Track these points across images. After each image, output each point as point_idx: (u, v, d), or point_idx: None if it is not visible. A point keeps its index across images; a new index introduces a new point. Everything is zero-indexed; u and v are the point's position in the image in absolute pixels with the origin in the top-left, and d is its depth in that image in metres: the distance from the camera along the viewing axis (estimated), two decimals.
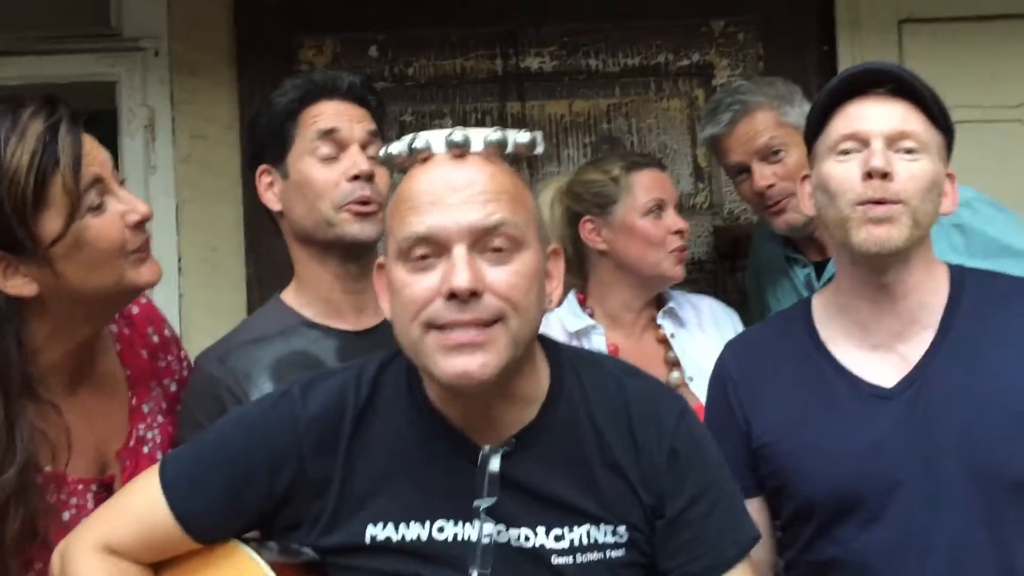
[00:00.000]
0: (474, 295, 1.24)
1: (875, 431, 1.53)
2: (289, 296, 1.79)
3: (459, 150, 1.29)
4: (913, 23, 2.84)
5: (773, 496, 1.62)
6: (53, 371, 1.44)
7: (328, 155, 1.71)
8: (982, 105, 2.81)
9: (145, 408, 1.63)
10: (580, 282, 2.23)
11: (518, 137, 1.32)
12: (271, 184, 1.77)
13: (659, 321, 2.18)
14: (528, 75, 2.86)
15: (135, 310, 1.69)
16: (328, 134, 1.71)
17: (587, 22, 2.86)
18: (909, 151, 1.52)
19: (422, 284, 1.26)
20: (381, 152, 1.37)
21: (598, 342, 2.13)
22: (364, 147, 1.72)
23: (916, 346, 1.57)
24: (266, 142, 1.77)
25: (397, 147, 1.33)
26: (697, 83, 2.89)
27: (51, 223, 1.38)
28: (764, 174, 2.14)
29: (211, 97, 2.85)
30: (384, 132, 1.82)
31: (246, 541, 1.40)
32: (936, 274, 1.60)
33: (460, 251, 1.24)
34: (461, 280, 1.23)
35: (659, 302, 2.21)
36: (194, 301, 2.81)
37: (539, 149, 1.35)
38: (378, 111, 1.80)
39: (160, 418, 1.64)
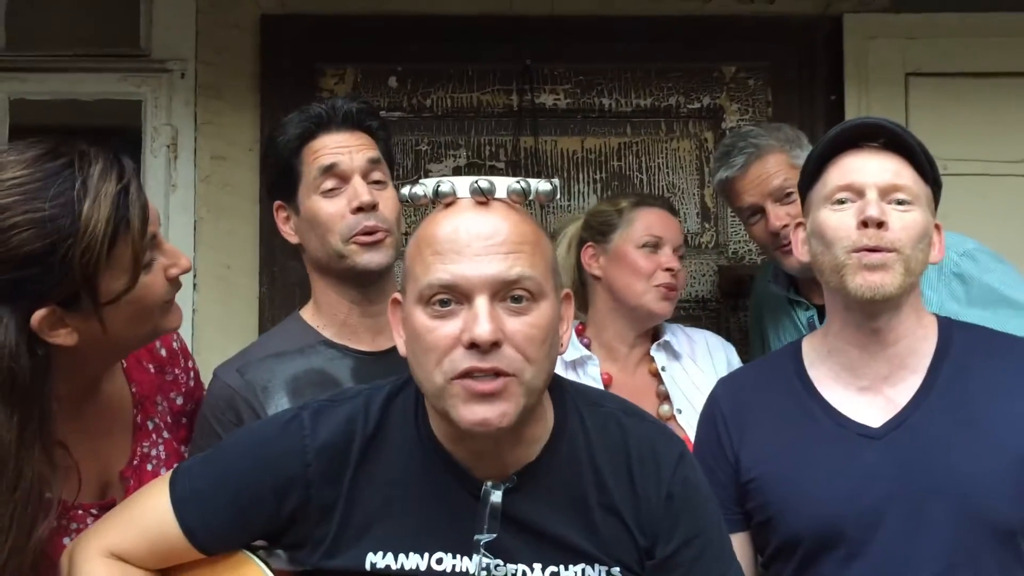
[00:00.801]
0: (495, 345, 1.25)
1: (860, 470, 1.55)
2: (308, 314, 1.82)
3: (483, 197, 1.31)
4: (919, 77, 2.86)
5: (758, 530, 1.63)
6: (59, 400, 1.41)
7: (331, 188, 1.74)
8: (985, 159, 2.84)
9: (150, 425, 1.63)
10: (581, 313, 2.26)
11: (540, 186, 1.35)
12: (287, 219, 1.82)
13: (653, 354, 2.20)
14: (542, 111, 2.89)
15: None
16: (329, 170, 1.74)
17: (601, 62, 2.88)
18: (901, 202, 1.56)
19: (443, 331, 1.27)
20: (404, 191, 1.38)
21: (592, 372, 2.15)
22: (366, 175, 1.75)
23: (904, 390, 1.59)
24: (277, 179, 1.81)
25: (421, 189, 1.34)
26: (707, 126, 2.91)
27: (115, 282, 1.36)
28: (779, 214, 2.16)
29: (233, 120, 2.88)
30: (390, 152, 1.86)
31: (254, 549, 1.42)
32: (925, 322, 1.63)
33: (482, 302, 1.26)
34: (483, 331, 1.24)
35: (656, 335, 2.23)
36: (207, 317, 2.82)
37: (557, 196, 1.39)
38: (380, 133, 1.82)
39: (165, 433, 1.64)
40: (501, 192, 1.32)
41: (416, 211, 2.64)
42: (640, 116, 2.90)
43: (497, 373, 1.26)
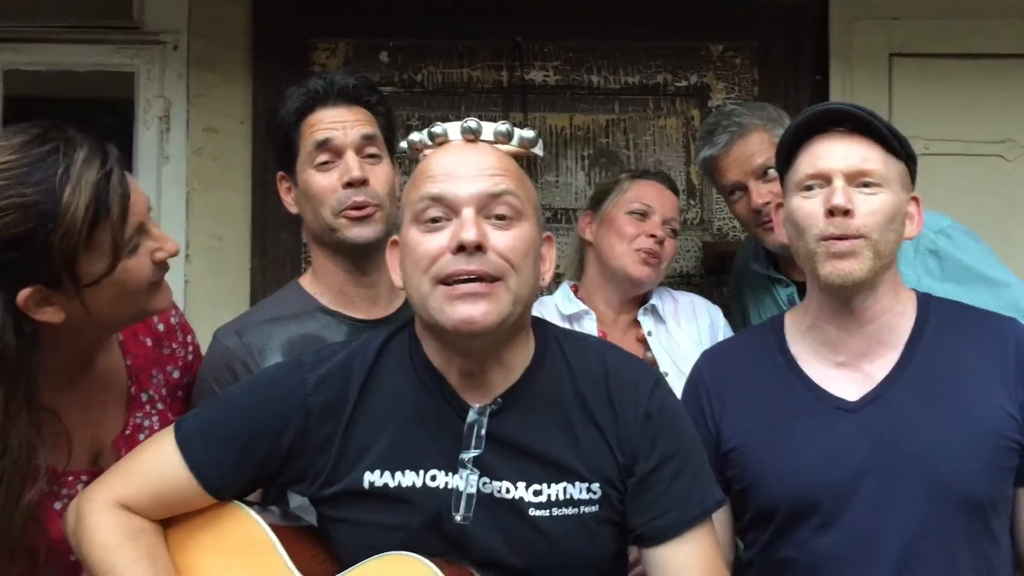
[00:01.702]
0: (479, 249, 1.33)
1: (835, 442, 1.57)
2: (306, 282, 1.86)
3: (472, 135, 1.41)
4: (903, 57, 2.87)
5: (737, 498, 1.65)
6: (51, 372, 1.44)
7: (325, 162, 1.77)
8: (966, 139, 2.86)
9: (144, 397, 1.64)
10: (578, 279, 2.31)
11: (523, 132, 1.44)
12: (288, 190, 1.85)
13: (639, 318, 2.23)
14: (532, 87, 2.88)
15: None
16: (323, 145, 1.77)
17: (591, 40, 2.88)
18: (868, 185, 1.57)
19: (433, 242, 1.35)
20: (403, 143, 1.47)
21: (589, 326, 2.18)
22: (359, 150, 1.77)
23: (881, 366, 1.61)
24: (278, 151, 1.84)
25: (417, 135, 1.44)
26: (693, 103, 2.91)
27: (95, 265, 1.39)
28: (761, 192, 2.16)
29: (226, 92, 2.87)
30: (391, 126, 1.87)
31: (249, 504, 1.45)
32: (903, 299, 1.65)
33: (468, 212, 1.35)
34: (469, 234, 1.32)
35: (644, 300, 2.25)
36: (199, 288, 2.83)
37: (538, 149, 1.46)
38: (379, 107, 1.84)
39: (159, 405, 1.66)
40: (488, 134, 1.42)
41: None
42: (628, 93, 2.90)
43: (482, 278, 1.33)
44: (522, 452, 1.40)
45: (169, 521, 1.44)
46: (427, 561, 1.34)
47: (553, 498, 1.39)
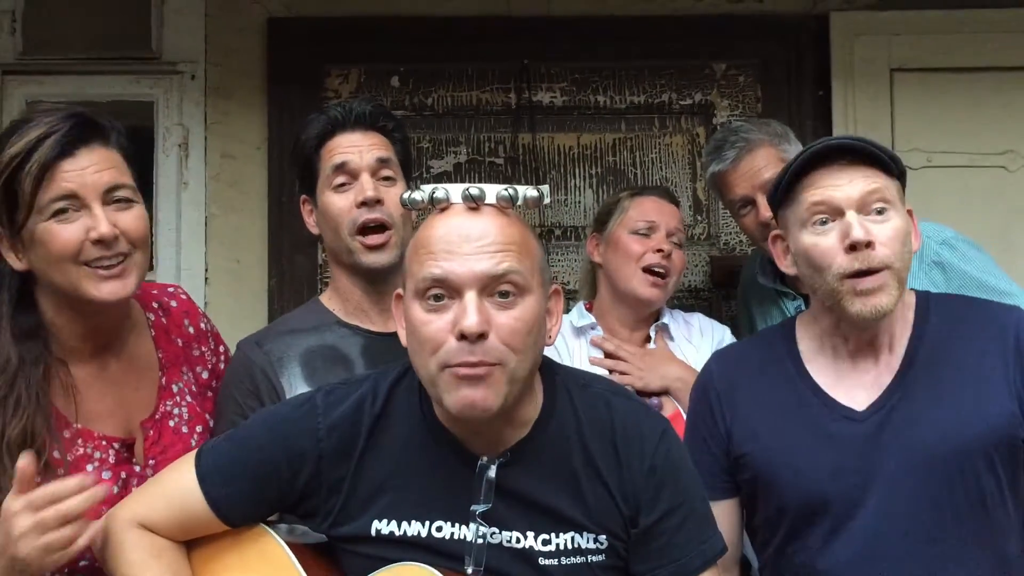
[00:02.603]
0: (481, 336, 1.31)
1: (844, 450, 1.57)
2: (326, 298, 1.91)
3: (474, 203, 1.37)
4: (904, 72, 2.87)
5: (748, 499, 1.66)
6: (77, 345, 1.57)
7: (341, 184, 1.82)
8: (967, 151, 2.84)
9: (174, 388, 1.70)
10: (591, 298, 2.32)
11: (527, 192, 1.40)
12: (310, 212, 1.90)
13: (651, 334, 2.22)
14: (540, 108, 2.90)
15: (173, 304, 1.78)
16: (340, 168, 1.82)
17: (596, 61, 2.89)
18: (880, 212, 1.55)
19: (437, 324, 1.34)
20: (403, 196, 1.45)
21: (595, 335, 2.21)
22: (374, 173, 1.82)
23: (885, 372, 1.61)
24: (301, 175, 1.90)
25: (419, 195, 1.41)
26: (698, 121, 2.91)
27: (19, 215, 1.51)
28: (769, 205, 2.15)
29: (242, 119, 2.90)
30: (407, 151, 1.92)
31: (269, 523, 1.48)
32: (905, 302, 1.63)
33: (471, 296, 1.33)
34: (471, 323, 1.31)
35: (657, 318, 2.25)
36: (218, 309, 2.84)
37: (546, 201, 1.43)
38: (395, 133, 1.89)
39: (188, 398, 1.71)
40: (491, 198, 1.38)
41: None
42: (634, 112, 2.91)
43: (482, 364, 1.32)
44: (530, 504, 1.40)
45: (193, 540, 1.47)
46: (434, 571, 1.36)
47: (562, 547, 1.40)
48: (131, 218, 1.55)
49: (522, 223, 1.41)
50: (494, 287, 1.34)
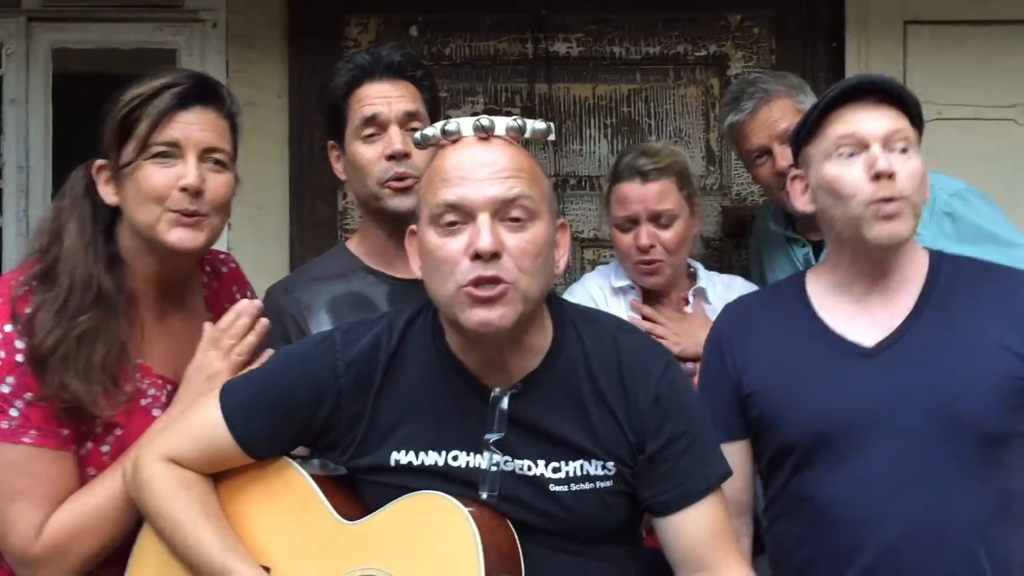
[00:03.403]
0: (495, 256, 1.34)
1: (853, 384, 1.59)
2: (353, 244, 1.92)
3: (484, 133, 1.40)
4: (917, 24, 2.83)
5: (757, 438, 1.68)
6: (143, 289, 1.65)
7: (370, 135, 1.83)
8: (978, 104, 2.82)
9: None
10: None
11: (535, 125, 1.43)
12: (338, 158, 1.90)
13: (689, 298, 2.19)
14: (555, 59, 2.87)
15: (224, 270, 1.84)
16: (369, 120, 1.82)
17: (612, 11, 2.86)
18: (904, 151, 1.58)
19: (452, 246, 1.36)
20: (417, 135, 1.47)
21: (633, 297, 2.17)
22: (403, 124, 1.82)
23: (897, 314, 1.63)
24: (329, 122, 1.90)
25: (431, 130, 1.44)
26: (712, 73, 2.89)
27: (127, 153, 1.58)
28: (786, 155, 2.13)
29: (263, 68, 2.89)
30: (436, 100, 1.92)
31: (292, 457, 1.51)
32: (918, 255, 1.67)
33: (484, 218, 1.35)
34: (485, 243, 1.34)
35: (693, 280, 2.22)
36: (241, 254, 2.77)
37: (552, 136, 1.45)
38: (424, 82, 1.88)
39: None
40: (500, 129, 1.41)
41: None
42: (649, 64, 2.88)
43: (497, 281, 1.33)
44: (541, 433, 1.43)
45: (219, 473, 1.50)
46: (452, 499, 1.39)
47: (571, 474, 1.43)
48: (219, 182, 1.61)
49: (530, 155, 1.44)
50: (506, 211, 1.36)
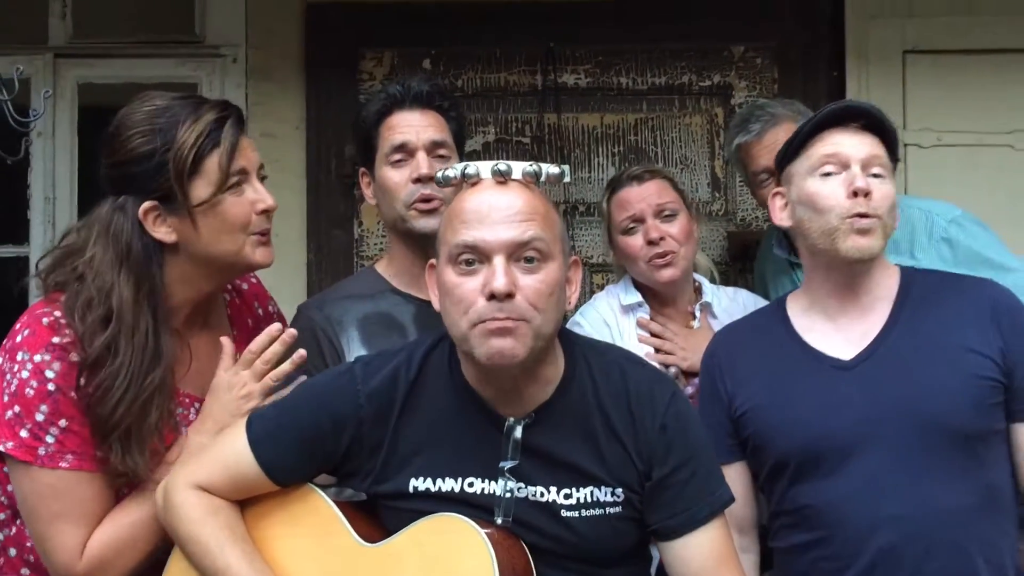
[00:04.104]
0: (509, 296, 1.40)
1: (835, 396, 1.67)
2: (381, 266, 1.99)
3: (502, 177, 1.46)
4: (916, 54, 2.89)
5: (753, 456, 1.75)
6: (176, 311, 1.67)
7: (399, 160, 1.90)
8: (977, 131, 2.87)
9: None
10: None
11: (550, 169, 1.49)
12: (368, 184, 1.97)
13: (696, 312, 2.21)
14: (564, 90, 2.94)
15: (245, 287, 1.88)
16: (399, 148, 1.90)
17: (619, 43, 2.93)
18: (878, 175, 1.68)
19: (468, 286, 1.42)
20: (438, 175, 1.54)
21: (641, 314, 2.19)
22: (430, 151, 1.90)
23: (871, 328, 1.71)
24: (361, 149, 1.98)
25: (452, 172, 1.50)
26: (717, 102, 2.95)
27: (201, 189, 1.60)
28: None
29: (281, 100, 2.95)
30: (462, 129, 2.00)
31: (316, 484, 1.56)
32: (889, 273, 1.76)
33: (499, 260, 1.41)
34: (499, 284, 1.39)
35: (698, 295, 2.24)
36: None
37: (567, 179, 1.52)
38: (450, 112, 1.96)
39: None
40: (517, 174, 1.46)
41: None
42: (655, 94, 2.94)
43: (510, 319, 1.40)
44: (553, 461, 1.48)
45: (245, 500, 1.55)
46: (469, 520, 1.44)
47: (582, 501, 1.48)
48: (273, 197, 1.69)
49: (545, 197, 1.49)
50: (520, 253, 1.42)
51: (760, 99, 2.63)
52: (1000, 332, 1.66)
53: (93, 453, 1.56)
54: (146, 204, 1.59)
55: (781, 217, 1.77)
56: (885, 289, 1.73)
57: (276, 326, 1.66)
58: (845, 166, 1.68)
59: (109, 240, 1.60)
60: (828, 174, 1.68)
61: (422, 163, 1.87)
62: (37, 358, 1.55)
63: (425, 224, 1.86)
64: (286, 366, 1.63)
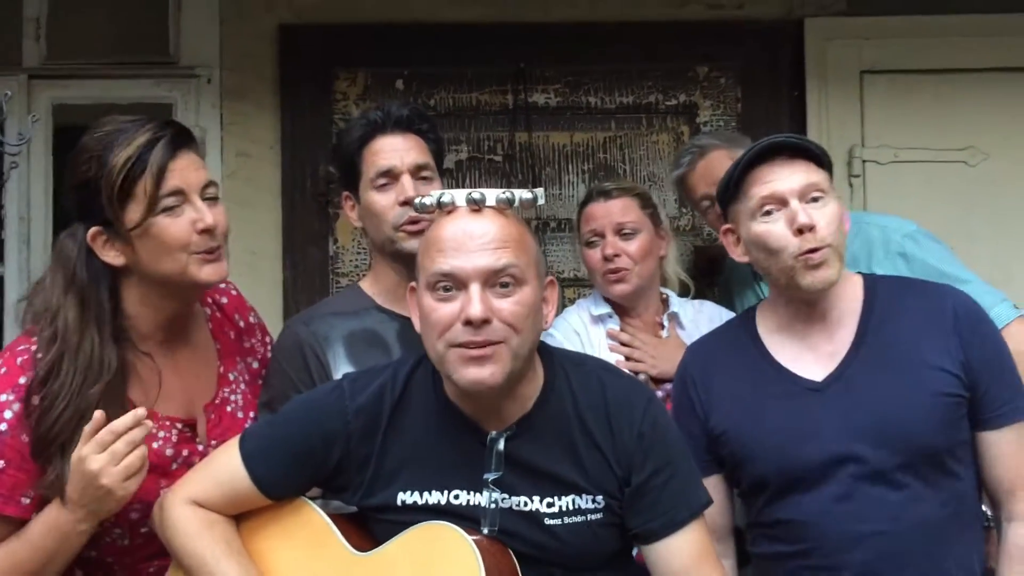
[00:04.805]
0: (485, 322, 1.46)
1: (809, 418, 1.73)
2: (366, 284, 2.03)
3: (476, 205, 1.51)
4: (873, 74, 2.99)
5: (732, 471, 1.81)
6: (151, 334, 1.70)
7: (384, 184, 1.94)
8: (932, 147, 2.98)
9: (231, 376, 1.84)
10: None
11: (523, 195, 1.54)
12: (352, 207, 2.01)
13: (664, 323, 2.31)
14: (535, 109, 3.01)
15: (224, 300, 1.91)
16: (384, 173, 1.94)
17: (588, 64, 3.01)
18: (816, 199, 1.72)
19: (445, 311, 1.48)
20: (416, 202, 1.60)
21: (611, 324, 2.28)
22: (414, 174, 1.95)
23: (840, 345, 1.77)
24: (344, 174, 2.02)
25: (428, 200, 1.55)
26: (683, 120, 3.04)
27: (132, 214, 1.62)
28: None
29: (256, 120, 3.00)
30: (441, 150, 2.05)
31: (310, 498, 1.61)
32: (851, 283, 1.81)
33: (475, 287, 1.47)
34: (475, 311, 1.45)
35: (666, 306, 2.34)
36: None
37: (540, 202, 1.56)
38: (429, 134, 2.01)
39: (243, 386, 1.85)
40: (491, 201, 1.51)
41: None
42: (623, 112, 3.03)
43: (487, 344, 1.45)
44: (535, 471, 1.54)
45: (240, 514, 1.59)
46: (457, 527, 1.49)
47: (564, 508, 1.54)
48: (220, 212, 1.69)
49: (519, 222, 1.55)
50: (495, 279, 1.47)
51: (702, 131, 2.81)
52: (961, 343, 1.71)
53: (18, 500, 1.58)
54: (93, 229, 1.63)
55: (737, 253, 1.82)
56: (849, 302, 1.78)
57: (141, 410, 1.57)
58: (783, 203, 1.70)
59: (59, 265, 1.65)
60: (769, 212, 1.71)
61: (407, 186, 1.92)
62: (2, 397, 1.59)
63: (414, 245, 1.87)
64: (140, 451, 1.54)
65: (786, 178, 1.72)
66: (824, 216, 1.71)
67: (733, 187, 1.78)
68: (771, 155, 1.74)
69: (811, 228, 1.69)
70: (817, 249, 1.69)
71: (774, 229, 1.71)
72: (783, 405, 1.75)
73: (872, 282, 1.82)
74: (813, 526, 1.70)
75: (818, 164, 1.75)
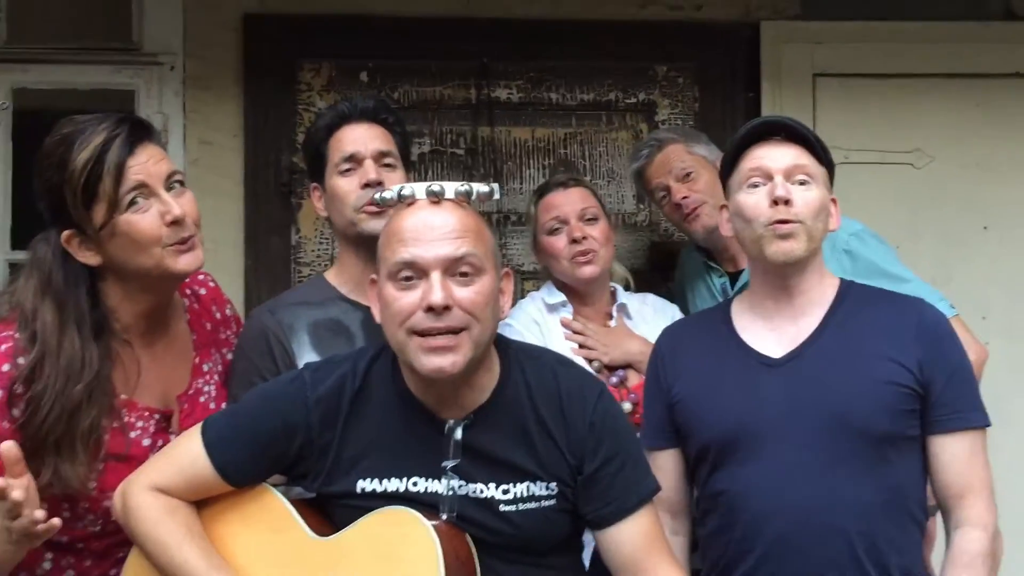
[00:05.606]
0: (446, 308, 1.51)
1: (759, 391, 1.79)
2: (331, 275, 2.07)
3: (436, 197, 1.57)
4: (825, 77, 3.07)
5: (683, 442, 1.87)
6: (131, 326, 1.72)
7: (347, 169, 1.99)
8: (881, 150, 3.06)
9: (205, 367, 1.86)
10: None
11: (480, 188, 1.60)
12: (319, 197, 2.06)
13: (613, 313, 2.40)
14: (498, 104, 3.05)
15: (203, 291, 1.93)
16: (348, 158, 1.99)
17: (550, 61, 3.06)
18: (803, 182, 1.80)
19: (407, 299, 1.53)
20: (376, 196, 1.65)
21: (564, 313, 2.36)
22: (377, 161, 2.00)
23: (804, 330, 1.84)
24: (311, 163, 2.07)
25: (389, 194, 1.60)
26: (642, 118, 3.10)
27: (98, 215, 1.63)
28: (680, 189, 2.45)
29: (218, 108, 2.99)
30: (406, 141, 2.11)
31: (272, 484, 1.65)
32: (827, 282, 1.88)
33: (436, 275, 1.52)
34: (437, 297, 1.51)
35: (614, 298, 2.43)
36: None
37: (496, 196, 1.62)
38: (395, 126, 2.07)
39: (217, 378, 1.87)
40: (450, 193, 1.57)
41: None
42: (584, 109, 3.07)
43: (449, 331, 1.50)
44: (491, 459, 1.59)
45: (202, 500, 1.62)
46: (415, 512, 1.54)
47: (518, 495, 1.60)
48: (188, 200, 1.70)
49: (477, 215, 1.61)
50: (455, 268, 1.52)
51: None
52: (921, 346, 1.76)
53: None
54: (66, 233, 1.65)
55: (727, 228, 1.90)
56: (821, 295, 1.84)
57: (56, 521, 1.49)
58: (768, 177, 1.78)
59: (34, 268, 1.67)
60: (755, 186, 1.80)
61: (370, 170, 1.97)
62: None
63: (375, 226, 1.91)
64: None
65: (776, 157, 1.80)
66: (804, 197, 1.78)
67: (730, 163, 1.86)
68: (767, 135, 1.82)
69: (786, 201, 1.76)
70: (788, 221, 1.76)
71: (753, 198, 1.79)
72: (738, 378, 1.81)
73: (847, 286, 1.89)
74: (740, 498, 1.76)
75: (815, 155, 1.82)
